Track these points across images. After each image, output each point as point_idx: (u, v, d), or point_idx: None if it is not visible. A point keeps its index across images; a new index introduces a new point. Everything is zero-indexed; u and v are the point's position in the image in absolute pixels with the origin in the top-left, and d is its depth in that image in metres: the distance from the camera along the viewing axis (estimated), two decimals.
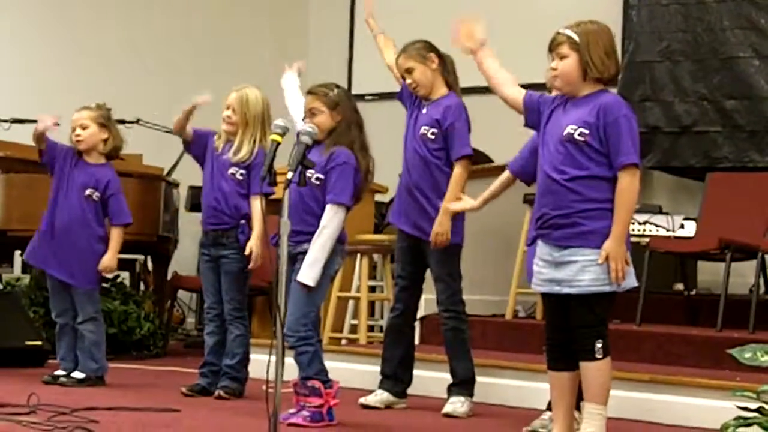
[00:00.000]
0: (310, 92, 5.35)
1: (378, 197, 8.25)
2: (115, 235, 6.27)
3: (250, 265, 5.84)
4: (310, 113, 5.30)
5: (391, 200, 5.96)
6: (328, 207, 5.16)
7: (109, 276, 6.21)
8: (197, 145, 6.06)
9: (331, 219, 5.14)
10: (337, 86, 5.38)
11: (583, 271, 4.20)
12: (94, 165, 6.30)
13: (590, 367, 4.23)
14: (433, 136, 5.64)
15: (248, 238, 5.91)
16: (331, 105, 5.28)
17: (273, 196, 5.44)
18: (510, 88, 4.52)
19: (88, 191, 6.23)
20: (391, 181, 5.95)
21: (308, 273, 5.09)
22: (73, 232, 6.22)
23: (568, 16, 4.53)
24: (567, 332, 4.29)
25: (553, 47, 4.34)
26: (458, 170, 5.60)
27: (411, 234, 5.69)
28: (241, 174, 5.90)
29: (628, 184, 4.20)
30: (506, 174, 5.11)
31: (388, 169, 6.14)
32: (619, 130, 4.21)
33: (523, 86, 4.53)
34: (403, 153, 5.76)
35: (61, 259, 6.23)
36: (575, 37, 4.27)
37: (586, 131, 4.23)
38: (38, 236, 6.31)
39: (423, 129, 5.66)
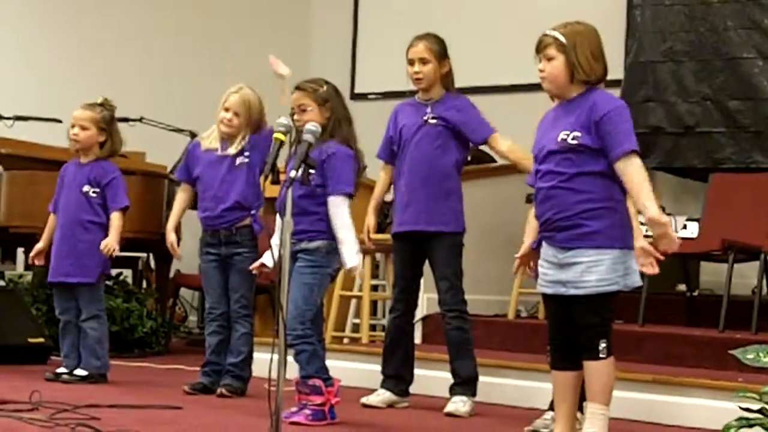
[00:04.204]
0: (298, 88, 5.30)
1: None
2: (114, 221, 6.23)
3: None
4: (299, 109, 5.26)
5: (393, 201, 5.94)
6: (332, 200, 5.15)
7: (109, 253, 6.16)
8: (193, 171, 6.08)
9: (340, 211, 5.12)
10: (326, 82, 5.34)
11: (588, 272, 4.20)
12: (90, 162, 6.31)
13: (594, 367, 4.24)
14: (441, 123, 5.64)
15: (261, 227, 5.91)
16: (320, 101, 5.25)
17: (270, 195, 5.46)
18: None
19: (85, 188, 6.25)
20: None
21: (353, 256, 5.10)
22: (75, 231, 6.23)
23: (571, 17, 4.52)
24: (571, 332, 4.29)
25: (540, 49, 4.34)
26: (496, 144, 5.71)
27: (414, 230, 5.67)
28: (246, 156, 5.90)
29: (636, 169, 4.15)
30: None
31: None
32: (611, 123, 4.20)
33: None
34: (402, 160, 5.75)
35: (68, 262, 6.24)
36: (562, 39, 4.28)
37: (579, 134, 4.24)
38: (53, 253, 6.33)
39: (427, 117, 5.66)
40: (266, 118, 5.94)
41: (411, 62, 5.72)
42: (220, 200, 5.93)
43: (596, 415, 4.25)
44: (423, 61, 5.69)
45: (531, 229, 4.57)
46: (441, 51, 5.71)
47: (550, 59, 4.30)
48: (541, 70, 4.34)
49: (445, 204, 5.66)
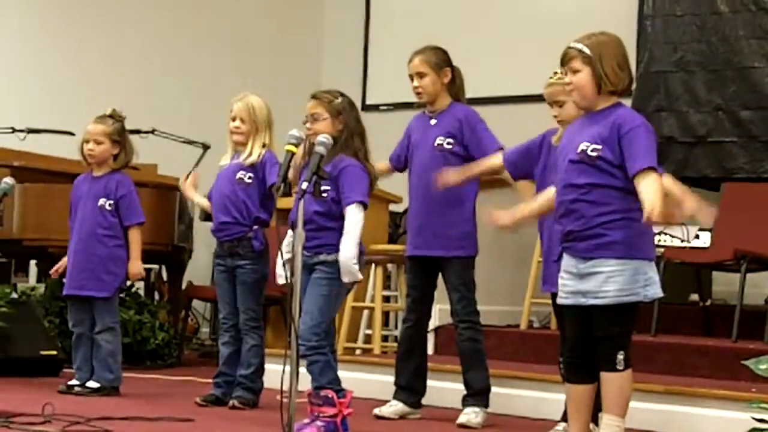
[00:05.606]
0: (314, 97, 5.31)
1: (392, 207, 8.25)
2: (132, 238, 6.30)
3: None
4: (311, 118, 5.27)
5: (405, 212, 5.95)
6: (348, 209, 5.14)
7: (137, 279, 6.23)
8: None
9: (352, 219, 5.12)
10: (342, 94, 5.33)
11: (608, 282, 4.20)
12: (105, 175, 6.33)
13: (611, 378, 4.23)
14: (450, 146, 5.63)
15: (262, 244, 5.91)
16: (334, 113, 5.25)
17: (283, 206, 5.46)
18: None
19: (101, 201, 6.27)
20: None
21: (352, 269, 5.07)
22: (91, 245, 6.25)
23: (583, 27, 4.53)
24: (588, 344, 4.28)
25: (565, 62, 4.34)
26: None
27: (431, 255, 5.67)
28: (249, 177, 5.91)
29: (648, 184, 4.12)
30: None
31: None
32: (632, 139, 4.20)
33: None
34: (414, 179, 5.75)
35: (83, 275, 6.25)
36: (587, 51, 4.28)
37: (599, 146, 4.24)
38: (68, 266, 6.36)
39: (439, 140, 5.65)
40: (275, 126, 5.96)
41: (411, 77, 5.71)
42: (220, 213, 5.96)
43: (611, 426, 4.24)
44: (420, 75, 5.66)
45: (538, 201, 4.68)
46: (439, 61, 5.66)
47: (575, 72, 4.30)
48: (568, 83, 4.34)
49: (460, 229, 5.63)
